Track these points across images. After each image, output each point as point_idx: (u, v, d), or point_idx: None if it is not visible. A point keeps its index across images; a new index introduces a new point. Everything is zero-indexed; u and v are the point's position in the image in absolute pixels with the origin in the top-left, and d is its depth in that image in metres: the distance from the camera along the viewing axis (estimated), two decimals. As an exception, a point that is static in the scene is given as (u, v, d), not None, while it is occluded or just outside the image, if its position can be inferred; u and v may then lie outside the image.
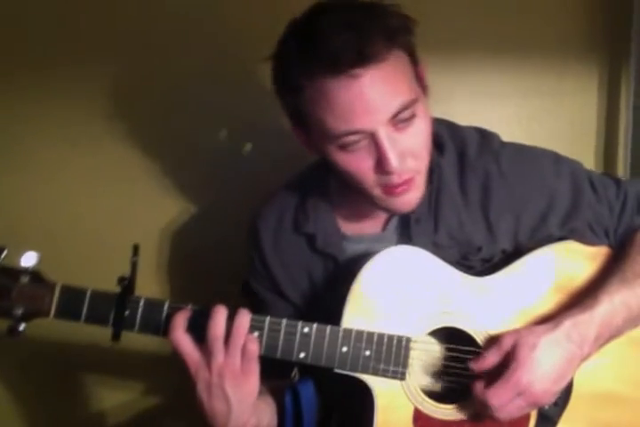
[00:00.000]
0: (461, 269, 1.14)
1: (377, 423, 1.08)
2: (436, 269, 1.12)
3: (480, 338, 1.10)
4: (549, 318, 1.08)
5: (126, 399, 1.73)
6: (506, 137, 1.22)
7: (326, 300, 1.18)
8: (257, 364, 1.04)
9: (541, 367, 1.02)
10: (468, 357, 1.09)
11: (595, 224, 1.16)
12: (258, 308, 1.08)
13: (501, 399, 1.02)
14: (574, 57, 1.66)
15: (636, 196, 1.18)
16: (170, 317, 1.05)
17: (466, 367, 1.08)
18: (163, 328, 1.05)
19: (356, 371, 1.07)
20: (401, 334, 1.08)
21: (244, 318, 1.03)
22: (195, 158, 1.65)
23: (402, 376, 1.08)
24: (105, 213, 1.65)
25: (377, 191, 1.07)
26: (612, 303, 1.06)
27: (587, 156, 1.68)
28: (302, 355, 1.07)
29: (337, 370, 1.07)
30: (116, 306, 1.05)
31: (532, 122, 1.67)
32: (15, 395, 1.71)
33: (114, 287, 1.06)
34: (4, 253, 1.05)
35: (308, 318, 1.08)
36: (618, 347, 1.11)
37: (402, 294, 1.10)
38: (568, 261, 1.15)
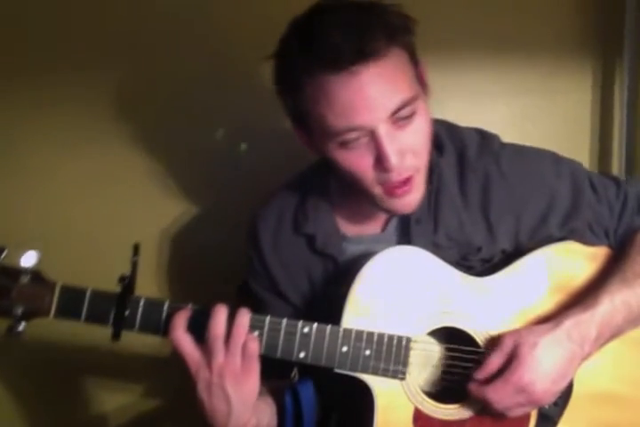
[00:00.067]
0: (461, 270, 1.14)
1: (377, 423, 1.07)
2: (435, 269, 1.12)
3: (480, 338, 1.10)
4: (549, 319, 1.09)
5: (126, 402, 1.72)
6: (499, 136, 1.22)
7: (325, 300, 1.18)
8: (257, 363, 1.04)
9: (542, 366, 1.02)
10: (468, 357, 1.10)
11: (595, 224, 1.17)
12: (256, 308, 1.08)
13: (499, 394, 1.02)
14: (567, 54, 1.65)
15: (636, 196, 1.18)
16: (170, 316, 1.04)
17: (466, 367, 1.09)
18: (163, 328, 1.05)
19: (356, 371, 1.07)
20: (401, 333, 1.08)
21: (245, 317, 1.03)
22: (193, 159, 1.65)
23: (402, 376, 1.08)
24: (104, 214, 1.65)
25: (377, 190, 1.07)
26: (613, 303, 1.06)
27: (581, 153, 1.67)
28: (302, 355, 1.07)
29: (337, 370, 1.07)
30: (117, 305, 1.04)
31: (526, 121, 1.67)
32: (15, 398, 1.71)
33: (112, 289, 1.06)
34: (4, 253, 1.05)
35: (308, 319, 1.08)
36: (618, 347, 1.11)
37: (402, 294, 1.10)
38: (568, 262, 1.15)
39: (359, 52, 0.97)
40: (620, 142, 1.66)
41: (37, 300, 1.04)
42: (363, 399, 1.09)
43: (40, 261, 1.05)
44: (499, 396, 1.02)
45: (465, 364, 1.10)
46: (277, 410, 1.17)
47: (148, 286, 1.54)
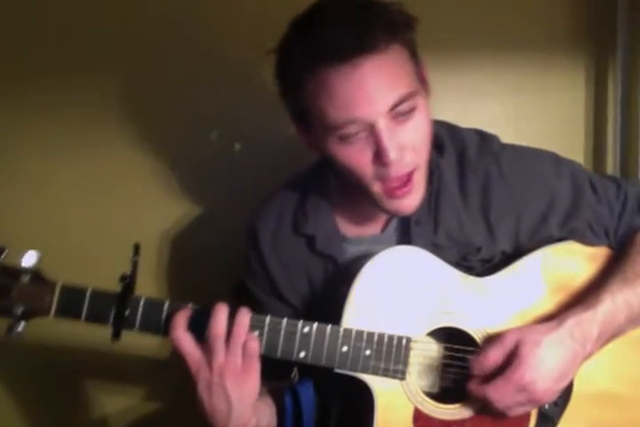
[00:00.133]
0: (461, 270, 1.14)
1: (377, 423, 1.07)
2: (435, 269, 1.12)
3: (480, 338, 1.10)
4: (549, 319, 1.08)
5: (126, 405, 1.72)
6: (493, 135, 1.22)
7: (325, 301, 1.18)
8: (258, 362, 1.04)
9: (544, 365, 1.02)
10: (469, 357, 1.09)
11: (595, 224, 1.17)
12: (254, 309, 1.08)
13: (501, 393, 1.02)
14: (560, 52, 1.65)
15: (636, 196, 1.19)
16: (170, 316, 1.05)
17: (466, 367, 1.09)
18: (163, 327, 1.05)
19: (356, 371, 1.07)
20: (401, 334, 1.08)
21: (245, 316, 1.03)
22: (191, 161, 1.65)
23: (402, 376, 1.08)
24: (104, 215, 1.65)
25: (376, 188, 1.07)
26: (615, 302, 1.07)
27: (576, 151, 1.67)
28: (302, 355, 1.07)
29: (337, 370, 1.07)
30: (117, 305, 1.05)
31: (520, 119, 1.66)
32: (16, 401, 1.71)
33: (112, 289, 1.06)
34: (4, 253, 1.05)
35: (307, 320, 1.08)
36: (618, 347, 1.11)
37: (402, 294, 1.10)
38: (568, 262, 1.15)
39: (360, 45, 0.98)
40: (614, 139, 1.65)
41: (37, 299, 1.04)
42: (363, 399, 1.09)
43: (40, 261, 1.06)
44: (499, 395, 1.02)
45: (465, 364, 1.10)
46: (277, 411, 1.17)
47: (148, 288, 1.54)
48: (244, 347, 1.03)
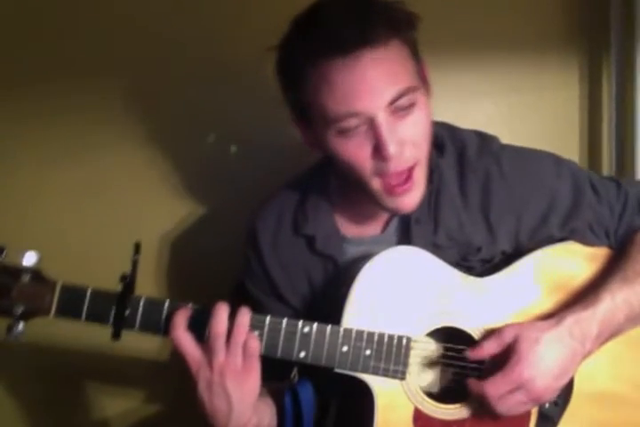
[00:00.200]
0: (461, 270, 1.14)
1: (377, 423, 1.07)
2: (435, 269, 1.12)
3: (480, 338, 1.10)
4: (549, 319, 1.08)
5: (127, 407, 1.72)
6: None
7: (325, 301, 1.18)
8: (258, 362, 1.04)
9: (544, 362, 1.02)
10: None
11: (595, 224, 1.17)
12: (253, 310, 1.08)
13: (499, 390, 1.02)
14: (554, 51, 1.64)
15: (636, 197, 1.19)
16: (170, 315, 1.05)
17: (466, 367, 1.09)
18: (163, 327, 1.05)
19: (356, 371, 1.07)
20: (401, 333, 1.08)
21: (245, 316, 1.04)
22: (190, 163, 1.65)
23: (402, 376, 1.08)
24: (104, 217, 1.66)
25: (376, 184, 1.07)
26: (614, 301, 1.07)
27: (571, 149, 1.66)
28: (302, 354, 1.07)
29: (337, 370, 1.07)
30: (117, 305, 1.05)
31: (514, 119, 1.66)
32: (16, 403, 1.71)
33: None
34: (4, 253, 1.05)
35: (307, 320, 1.08)
36: (618, 346, 1.11)
37: (402, 295, 1.10)
38: (568, 262, 1.15)
39: (361, 39, 0.99)
40: (609, 137, 1.65)
41: (38, 299, 1.05)
42: (363, 399, 1.09)
43: (40, 262, 1.06)
44: (498, 391, 1.02)
45: (465, 364, 1.10)
46: (277, 411, 1.16)
47: (148, 288, 1.54)
48: (245, 347, 1.03)
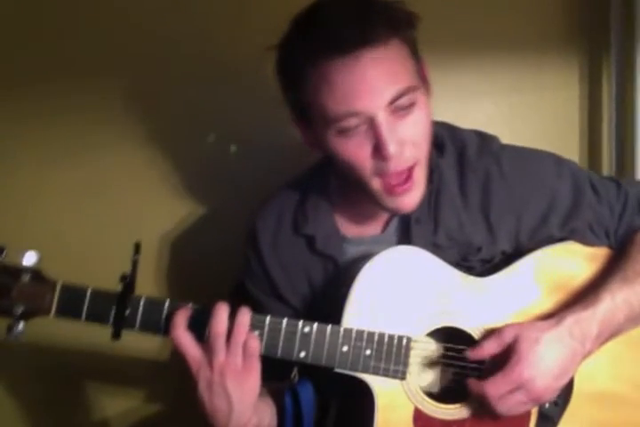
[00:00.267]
0: (462, 270, 1.14)
1: (377, 423, 1.07)
2: (435, 269, 1.12)
3: (480, 338, 1.10)
4: (549, 319, 1.08)
5: (127, 406, 1.72)
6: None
7: (325, 301, 1.18)
8: (258, 362, 1.04)
9: (544, 362, 1.02)
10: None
11: (595, 224, 1.17)
12: (253, 310, 1.09)
13: (499, 390, 1.02)
14: (554, 50, 1.64)
15: (636, 197, 1.19)
16: (170, 315, 1.05)
17: (466, 367, 1.09)
18: (163, 327, 1.05)
19: (356, 370, 1.07)
20: (401, 333, 1.08)
21: (246, 316, 1.04)
22: (190, 162, 1.65)
23: (402, 376, 1.08)
24: (104, 218, 1.66)
25: (376, 184, 1.07)
26: (614, 301, 1.07)
27: (571, 149, 1.66)
28: (303, 354, 1.07)
29: (337, 369, 1.07)
30: (117, 304, 1.05)
31: (515, 119, 1.65)
32: (17, 403, 1.71)
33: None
34: (4, 253, 1.05)
35: (307, 320, 1.08)
36: (618, 346, 1.11)
37: (402, 295, 1.10)
38: (568, 262, 1.15)
39: (361, 38, 0.99)
40: (609, 137, 1.64)
41: (38, 299, 1.05)
42: (363, 399, 1.09)
43: (40, 262, 1.06)
44: (498, 391, 1.02)
45: (465, 364, 1.10)
46: (277, 411, 1.16)
47: (149, 288, 1.54)
48: (245, 346, 1.03)
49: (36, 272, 1.05)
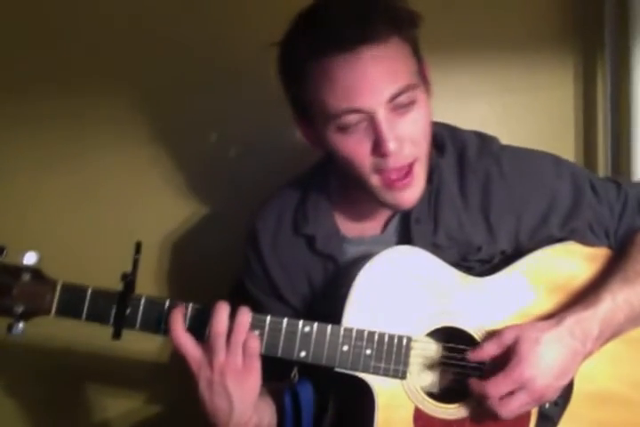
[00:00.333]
0: (461, 270, 1.14)
1: (377, 423, 1.07)
2: (435, 269, 1.12)
3: (480, 338, 1.10)
4: (549, 318, 1.08)
5: (128, 407, 1.72)
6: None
7: (325, 301, 1.18)
8: (258, 361, 1.05)
9: (544, 362, 1.02)
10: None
11: (595, 225, 1.17)
12: (253, 310, 1.09)
13: (500, 390, 1.02)
14: (548, 50, 1.63)
15: (636, 197, 1.19)
16: (171, 315, 1.04)
17: (466, 366, 1.09)
18: (164, 327, 1.05)
19: (356, 370, 1.07)
20: (401, 333, 1.08)
21: (246, 315, 1.04)
22: (191, 163, 1.65)
23: (402, 375, 1.08)
24: (104, 218, 1.66)
25: (375, 180, 1.08)
26: (615, 301, 1.07)
27: (566, 148, 1.65)
28: (303, 354, 1.07)
29: (337, 369, 1.07)
30: (118, 304, 1.05)
31: (510, 119, 1.65)
32: (18, 404, 1.71)
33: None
34: (4, 253, 1.05)
35: (307, 320, 1.08)
36: (618, 346, 1.11)
37: (402, 294, 1.10)
38: (568, 262, 1.16)
39: (362, 36, 1.00)
40: (604, 137, 1.64)
41: (38, 298, 1.05)
42: (363, 399, 1.09)
43: (40, 262, 1.06)
44: (499, 392, 1.02)
45: (465, 363, 1.10)
46: (277, 411, 1.17)
47: (149, 288, 1.54)
48: (245, 346, 1.03)
49: (36, 272, 1.05)
